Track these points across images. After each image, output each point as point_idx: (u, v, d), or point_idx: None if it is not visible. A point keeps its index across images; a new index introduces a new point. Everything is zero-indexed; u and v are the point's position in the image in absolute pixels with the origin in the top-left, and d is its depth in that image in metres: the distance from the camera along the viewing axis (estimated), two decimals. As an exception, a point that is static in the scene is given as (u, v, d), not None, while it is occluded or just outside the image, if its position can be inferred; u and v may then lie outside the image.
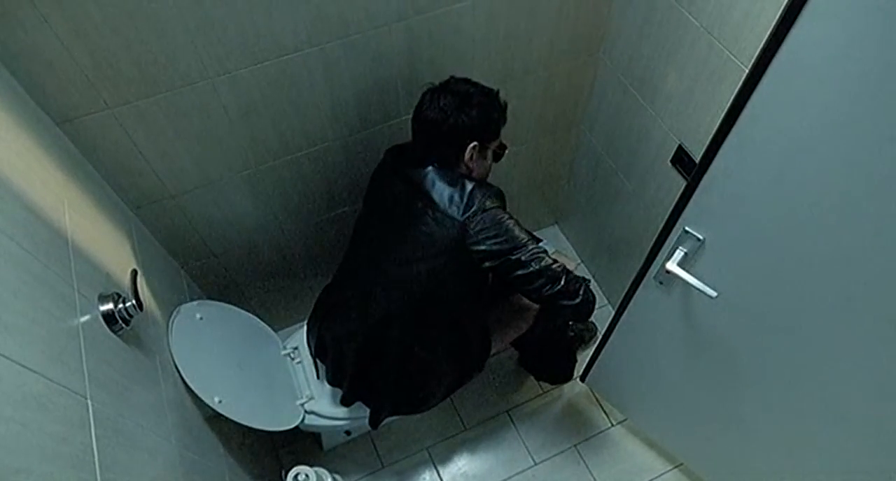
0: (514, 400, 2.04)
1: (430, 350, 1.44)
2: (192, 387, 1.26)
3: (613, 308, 2.18)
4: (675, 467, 1.91)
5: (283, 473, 1.44)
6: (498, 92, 1.31)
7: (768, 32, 0.83)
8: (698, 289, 1.15)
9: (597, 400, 2.05)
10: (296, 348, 1.70)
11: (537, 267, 1.26)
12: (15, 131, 0.94)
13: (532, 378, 2.08)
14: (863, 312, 0.98)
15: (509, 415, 2.02)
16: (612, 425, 2.00)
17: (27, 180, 0.90)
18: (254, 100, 1.30)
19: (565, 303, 1.30)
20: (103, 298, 0.99)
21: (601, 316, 2.20)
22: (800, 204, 0.94)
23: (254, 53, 1.21)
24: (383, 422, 1.59)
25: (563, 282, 1.29)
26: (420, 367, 1.46)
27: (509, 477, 1.91)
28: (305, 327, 1.64)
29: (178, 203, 1.44)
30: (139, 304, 1.04)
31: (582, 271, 2.27)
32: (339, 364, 1.52)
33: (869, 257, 0.91)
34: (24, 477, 0.62)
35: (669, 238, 1.19)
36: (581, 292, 1.32)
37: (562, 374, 2.05)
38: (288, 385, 1.64)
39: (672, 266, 1.17)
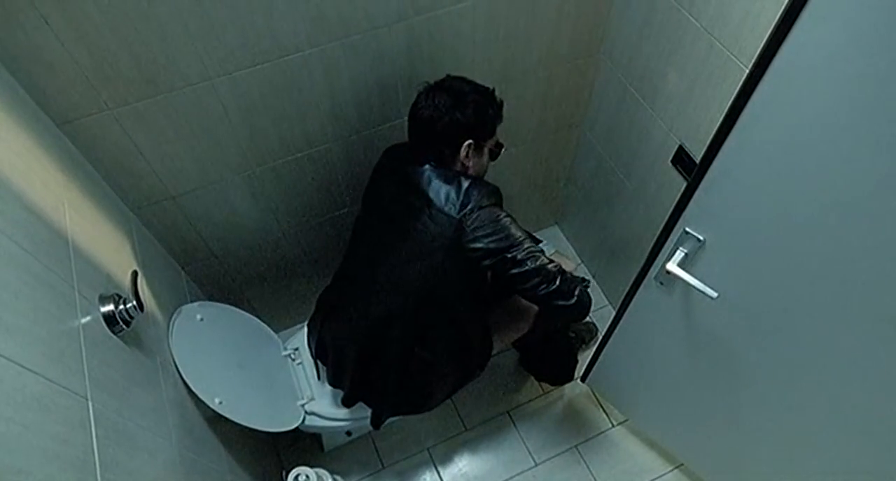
0: (514, 401, 2.04)
1: (431, 350, 1.44)
2: (193, 388, 1.26)
3: (614, 308, 2.18)
4: (676, 467, 1.91)
5: (284, 474, 1.44)
6: (493, 90, 1.31)
7: (768, 33, 0.83)
8: (699, 290, 1.15)
9: (597, 400, 2.05)
10: (296, 349, 1.70)
11: (532, 265, 1.26)
12: (15, 132, 0.94)
13: (533, 378, 2.08)
14: (863, 312, 0.97)
15: (510, 416, 2.02)
16: (613, 426, 2.00)
17: (28, 181, 0.90)
18: (254, 100, 1.30)
19: (560, 303, 1.30)
20: (104, 299, 0.99)
21: (602, 316, 2.21)
22: (800, 204, 0.94)
23: (254, 54, 1.21)
24: (385, 423, 1.59)
25: (558, 282, 1.28)
26: (421, 367, 1.46)
27: (510, 478, 1.90)
28: (306, 328, 1.64)
29: (178, 204, 1.44)
30: (140, 305, 1.04)
31: (582, 271, 2.27)
32: (339, 364, 1.52)
33: (869, 257, 0.91)
34: (24, 478, 0.62)
35: (670, 238, 1.19)
36: (576, 293, 1.32)
37: (562, 375, 2.05)
38: (288, 386, 1.64)
39: (672, 266, 1.17)
